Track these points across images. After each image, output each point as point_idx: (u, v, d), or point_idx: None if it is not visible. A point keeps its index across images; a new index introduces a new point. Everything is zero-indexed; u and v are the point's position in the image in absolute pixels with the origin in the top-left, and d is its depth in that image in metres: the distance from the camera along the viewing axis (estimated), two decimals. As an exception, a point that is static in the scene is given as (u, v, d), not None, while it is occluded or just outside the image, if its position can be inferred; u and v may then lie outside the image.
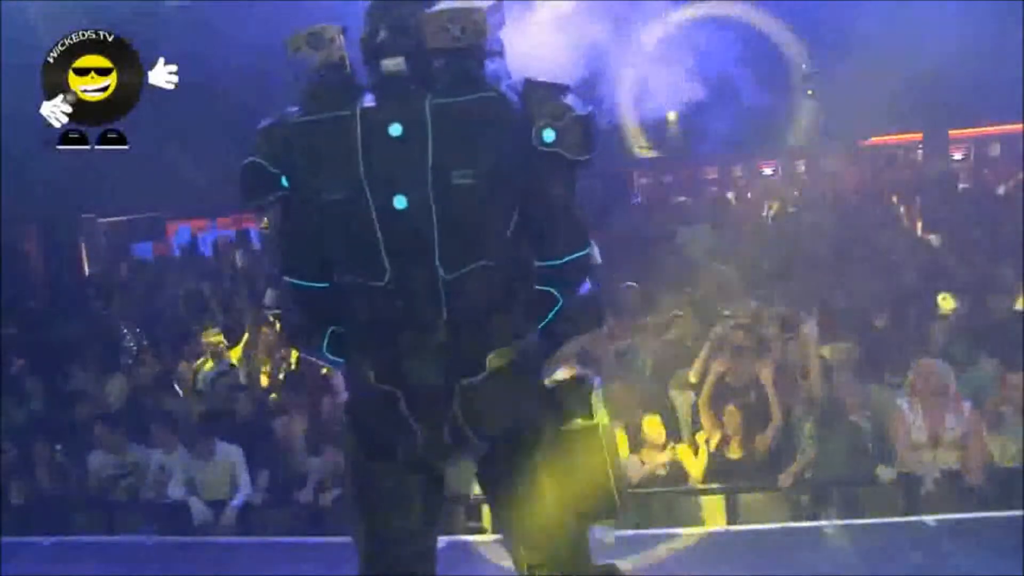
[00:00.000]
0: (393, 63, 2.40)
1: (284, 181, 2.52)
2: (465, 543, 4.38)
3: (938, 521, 5.22)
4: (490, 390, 2.47)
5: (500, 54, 2.51)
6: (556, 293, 2.55)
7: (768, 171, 16.77)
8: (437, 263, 2.40)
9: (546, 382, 2.64)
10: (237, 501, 6.39)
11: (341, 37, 2.44)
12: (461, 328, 2.44)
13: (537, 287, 2.55)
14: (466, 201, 2.38)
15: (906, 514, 5.52)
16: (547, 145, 2.43)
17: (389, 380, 2.49)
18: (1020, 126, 12.20)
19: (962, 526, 5.19)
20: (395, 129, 2.39)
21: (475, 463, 2.63)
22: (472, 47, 2.38)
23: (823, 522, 5.57)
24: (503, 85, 2.45)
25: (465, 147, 2.38)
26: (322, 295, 2.59)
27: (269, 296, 2.74)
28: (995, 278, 7.93)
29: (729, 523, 5.80)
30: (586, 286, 2.60)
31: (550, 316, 2.56)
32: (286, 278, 2.63)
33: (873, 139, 14.73)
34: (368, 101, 2.43)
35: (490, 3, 2.42)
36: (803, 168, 16.23)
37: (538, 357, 2.60)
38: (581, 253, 2.56)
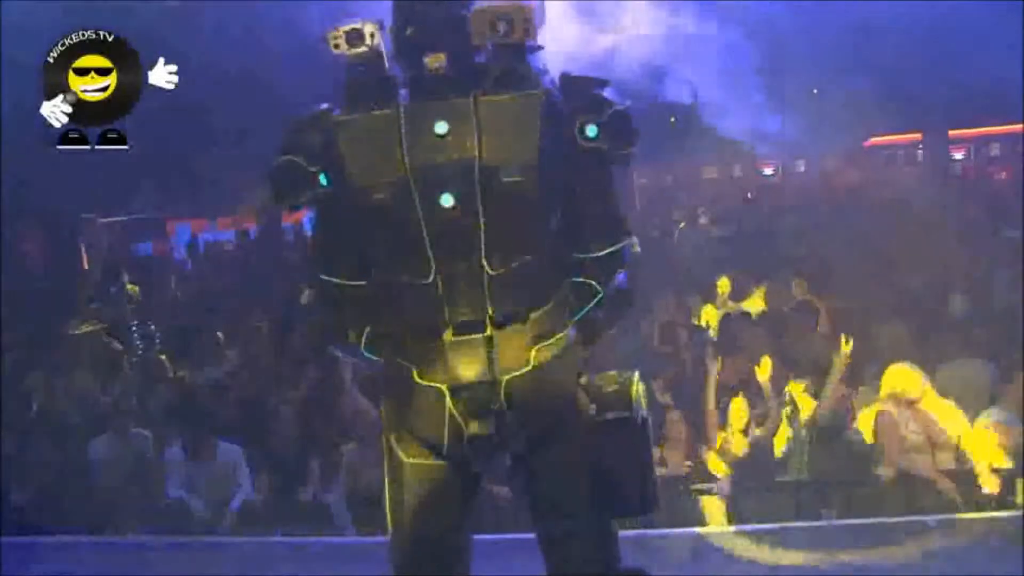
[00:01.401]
0: (435, 60, 2.40)
1: (323, 179, 2.52)
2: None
3: (938, 521, 5.22)
4: (535, 384, 2.48)
5: (540, 49, 2.52)
6: (596, 284, 2.57)
7: (768, 171, 16.78)
8: (483, 260, 2.41)
9: (585, 374, 2.63)
10: (237, 501, 6.39)
11: (379, 33, 2.45)
12: (506, 323, 2.45)
13: (576, 279, 2.56)
14: (513, 198, 2.40)
15: (906, 514, 5.52)
16: (590, 140, 2.45)
17: (433, 377, 2.49)
18: (1020, 126, 12.22)
19: (962, 526, 5.19)
20: (441, 127, 2.39)
21: (510, 457, 2.62)
22: (519, 45, 2.40)
23: (823, 522, 5.56)
24: (546, 81, 2.47)
25: (513, 144, 2.40)
26: (359, 293, 2.59)
27: (306, 296, 2.73)
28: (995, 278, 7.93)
29: (729, 523, 5.80)
30: (620, 276, 2.62)
31: (589, 307, 2.57)
32: (323, 276, 2.64)
33: (873, 139, 14.75)
34: (405, 97, 2.44)
35: (536, 2, 2.43)
36: (803, 168, 16.24)
37: (577, 349, 2.60)
38: (621, 244, 2.58)
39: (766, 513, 5.81)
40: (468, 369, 2.46)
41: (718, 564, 4.93)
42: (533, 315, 2.48)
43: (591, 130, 2.45)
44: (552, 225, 2.49)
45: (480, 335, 2.45)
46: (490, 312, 2.44)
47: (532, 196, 2.41)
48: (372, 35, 2.44)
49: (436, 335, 2.47)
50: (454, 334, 2.46)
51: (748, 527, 5.55)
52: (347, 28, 2.45)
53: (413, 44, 2.43)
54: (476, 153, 2.38)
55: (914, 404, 5.78)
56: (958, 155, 15.29)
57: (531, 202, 2.42)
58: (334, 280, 2.62)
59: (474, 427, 2.49)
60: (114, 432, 6.90)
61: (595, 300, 2.57)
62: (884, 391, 5.91)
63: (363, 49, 2.44)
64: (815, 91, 11.14)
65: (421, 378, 2.51)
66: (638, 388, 2.62)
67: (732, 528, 5.64)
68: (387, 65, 2.47)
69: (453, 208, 2.39)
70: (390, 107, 2.43)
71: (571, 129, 2.45)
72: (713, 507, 5.77)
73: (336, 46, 2.45)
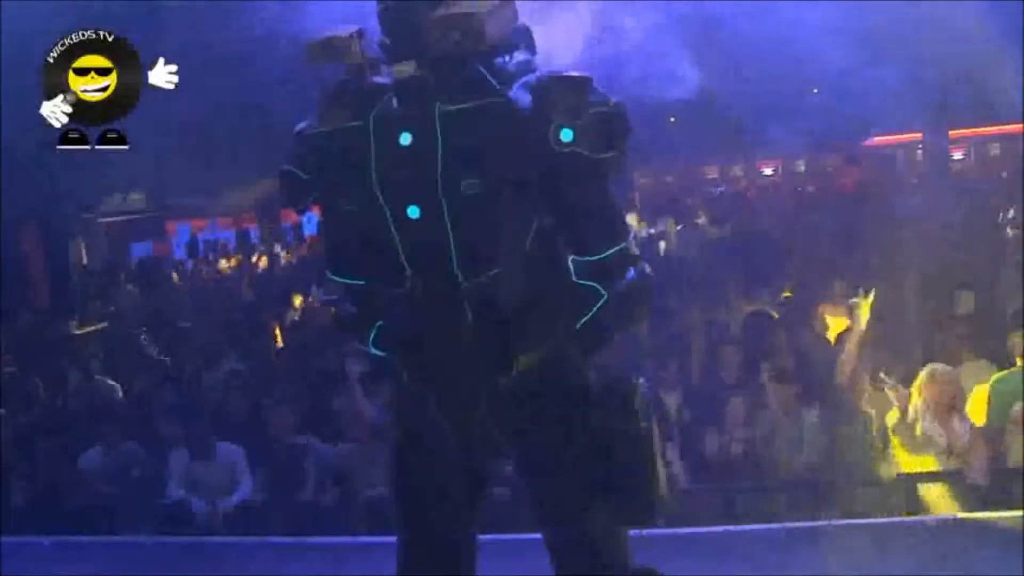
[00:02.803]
0: (404, 68, 2.36)
1: (315, 188, 2.55)
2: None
3: (938, 521, 5.22)
4: (519, 392, 2.45)
5: (520, 48, 2.47)
6: (600, 288, 2.49)
7: (768, 171, 16.80)
8: (455, 270, 2.38)
9: (586, 382, 2.58)
10: (234, 500, 6.39)
11: (359, 41, 2.41)
12: (487, 332, 2.41)
13: (580, 282, 2.50)
14: (477, 209, 2.35)
15: (906, 514, 5.52)
16: (565, 145, 2.36)
17: (420, 381, 2.50)
18: (1020, 126, 12.21)
19: (962, 526, 5.19)
20: (405, 138, 2.36)
21: (514, 462, 2.61)
22: (476, 51, 2.34)
23: (823, 522, 5.56)
24: (517, 85, 2.40)
25: (473, 155, 2.34)
26: (366, 291, 2.59)
27: (316, 291, 2.78)
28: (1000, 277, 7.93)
29: (729, 523, 5.80)
30: (631, 276, 2.52)
31: (593, 312, 2.50)
32: (329, 274, 2.67)
33: (873, 139, 14.76)
34: (391, 105, 2.41)
35: (493, 4, 2.37)
36: (803, 168, 16.27)
37: (578, 356, 2.55)
38: (619, 247, 2.49)
39: (766, 513, 5.81)
40: (450, 376, 2.45)
41: (718, 564, 4.93)
42: (515, 324, 2.43)
43: (565, 134, 2.35)
44: (531, 232, 2.42)
45: (460, 343, 2.42)
46: (470, 320, 2.40)
47: (500, 206, 2.36)
48: (350, 44, 2.40)
49: (419, 342, 2.46)
50: (435, 341, 2.44)
51: (748, 527, 5.55)
52: (325, 38, 2.41)
53: (387, 50, 2.40)
54: (438, 165, 2.34)
55: (947, 404, 5.76)
56: (958, 155, 15.29)
57: (499, 212, 2.36)
58: (339, 279, 2.64)
59: (457, 433, 2.49)
60: (114, 432, 6.91)
61: (598, 305, 2.50)
62: (918, 386, 5.89)
63: (341, 59, 2.42)
64: (815, 91, 11.12)
65: (410, 381, 2.52)
66: (642, 396, 2.57)
67: (732, 528, 5.65)
68: (368, 74, 2.43)
69: (419, 220, 2.36)
70: (363, 118, 2.41)
71: (545, 134, 2.35)
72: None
73: (315, 57, 2.42)
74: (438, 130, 2.35)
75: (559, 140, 2.36)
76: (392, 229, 2.39)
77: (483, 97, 2.37)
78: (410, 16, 2.34)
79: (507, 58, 2.44)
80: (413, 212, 2.36)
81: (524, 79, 2.41)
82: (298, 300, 8.83)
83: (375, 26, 2.43)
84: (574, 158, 2.37)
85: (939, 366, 5.98)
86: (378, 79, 2.44)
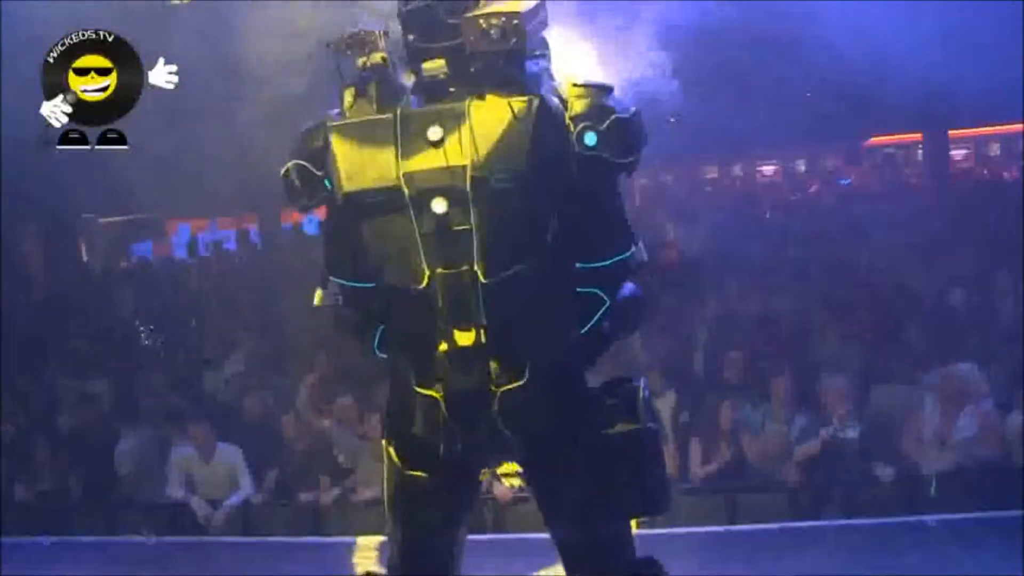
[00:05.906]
0: (433, 66, 2.40)
1: (327, 183, 2.52)
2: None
3: (938, 521, 5.23)
4: (530, 394, 2.46)
5: (543, 55, 2.51)
6: (603, 294, 2.54)
7: (768, 171, 16.78)
8: (476, 267, 2.39)
9: (590, 385, 2.60)
10: (234, 500, 6.40)
11: (383, 39, 2.44)
12: (500, 332, 2.42)
13: (582, 289, 2.53)
14: (505, 205, 2.37)
15: (906, 514, 5.53)
16: (589, 149, 2.42)
17: (429, 384, 2.48)
18: (1020, 126, 12.21)
19: (962, 526, 5.19)
20: (435, 132, 2.38)
21: (519, 463, 2.63)
22: (511, 50, 2.38)
23: (823, 522, 5.57)
24: (544, 87, 2.44)
25: (504, 151, 2.37)
26: (368, 294, 2.59)
27: (318, 296, 2.72)
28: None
29: (729, 523, 5.80)
30: (630, 286, 2.59)
31: (596, 318, 2.54)
32: (332, 277, 2.65)
33: (873, 139, 14.76)
34: (413, 103, 2.43)
35: (530, 5, 2.41)
36: (803, 168, 16.26)
37: (582, 360, 2.59)
38: (627, 254, 2.55)
39: (766, 513, 5.82)
40: (461, 379, 2.44)
41: (718, 564, 4.93)
42: (529, 325, 2.45)
43: (589, 138, 2.42)
44: (550, 233, 2.46)
45: (473, 344, 2.42)
46: (484, 321, 2.41)
47: (525, 203, 2.39)
48: (374, 41, 2.43)
49: (431, 343, 2.46)
50: (447, 342, 2.44)
51: (748, 527, 5.56)
52: (350, 34, 2.45)
53: (415, 50, 2.44)
54: (467, 160, 2.37)
55: (961, 402, 5.78)
56: (958, 155, 15.27)
57: (524, 209, 2.40)
58: (341, 281, 2.63)
59: (465, 436, 2.48)
60: (116, 432, 6.93)
61: (602, 311, 2.54)
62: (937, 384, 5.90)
63: (366, 55, 2.44)
64: (807, 94, 11.11)
65: (418, 386, 2.51)
66: (644, 397, 2.60)
67: (732, 528, 5.65)
68: (392, 71, 2.46)
69: (445, 214, 2.38)
70: (388, 112, 2.43)
71: (571, 136, 2.42)
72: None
73: (338, 52, 2.45)
74: (470, 126, 2.37)
75: (583, 144, 2.42)
76: (413, 223, 2.39)
77: (513, 96, 2.39)
78: (441, 15, 2.38)
79: (535, 61, 2.47)
80: (439, 206, 2.37)
81: (549, 83, 2.46)
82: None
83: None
84: (596, 162, 2.43)
85: (958, 364, 5.98)
86: (402, 76, 2.47)
